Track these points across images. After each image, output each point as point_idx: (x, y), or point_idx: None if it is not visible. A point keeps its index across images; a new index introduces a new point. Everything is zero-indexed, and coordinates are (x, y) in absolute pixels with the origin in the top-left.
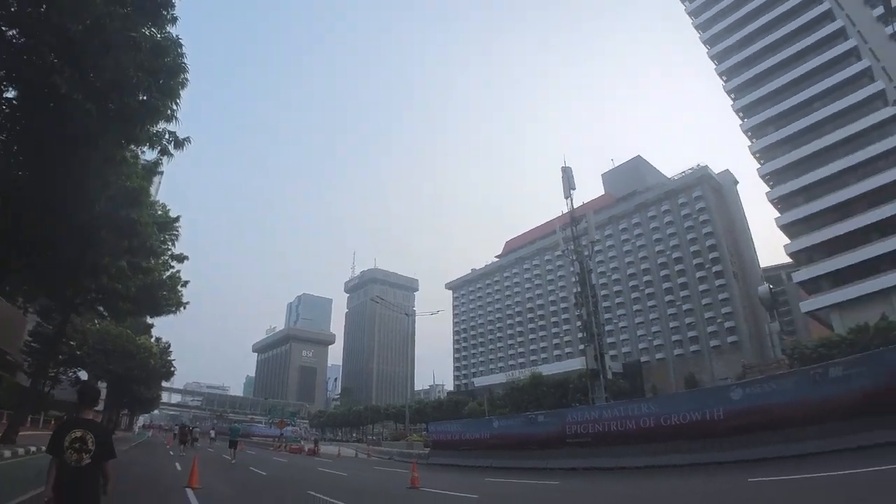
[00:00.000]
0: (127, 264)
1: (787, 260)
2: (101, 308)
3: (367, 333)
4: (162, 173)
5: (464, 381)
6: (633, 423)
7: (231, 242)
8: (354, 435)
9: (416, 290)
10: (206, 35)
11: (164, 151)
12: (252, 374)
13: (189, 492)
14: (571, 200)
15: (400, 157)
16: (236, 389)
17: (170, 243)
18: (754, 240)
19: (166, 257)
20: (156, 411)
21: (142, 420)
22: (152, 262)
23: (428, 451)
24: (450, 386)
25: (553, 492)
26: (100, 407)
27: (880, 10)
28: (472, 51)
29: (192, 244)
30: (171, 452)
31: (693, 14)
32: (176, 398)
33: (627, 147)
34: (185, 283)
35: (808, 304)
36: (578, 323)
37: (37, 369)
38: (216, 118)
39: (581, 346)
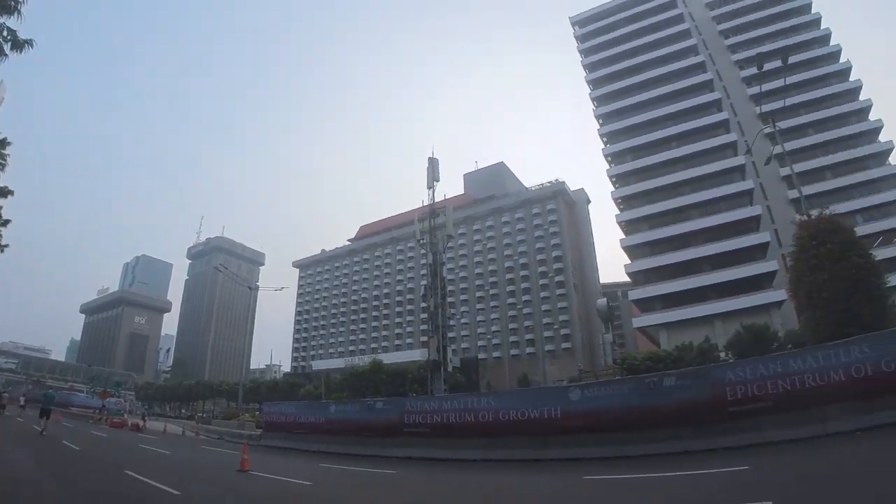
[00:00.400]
0: None
1: (625, 279)
2: None
3: (207, 304)
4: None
5: (302, 364)
6: (471, 416)
7: (69, 188)
8: (184, 411)
9: (263, 264)
10: None
11: None
12: (78, 337)
13: None
14: (434, 191)
15: (266, 130)
16: (59, 353)
17: None
18: (598, 257)
19: None
20: None
21: None
22: None
23: (260, 433)
24: (287, 367)
25: (389, 481)
26: None
27: (748, 71)
28: (359, 38)
29: (24, 182)
30: None
31: (580, 39)
32: None
33: (493, 154)
34: (6, 223)
35: (640, 320)
36: (423, 315)
37: None
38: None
39: (423, 339)
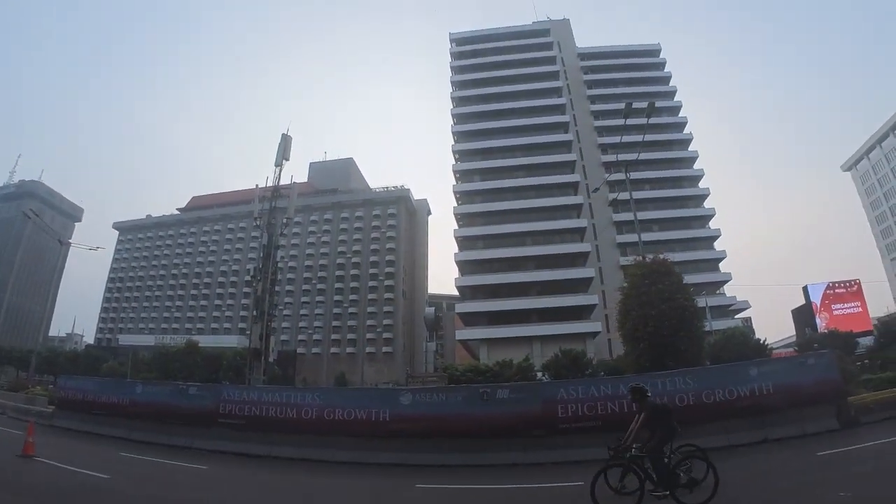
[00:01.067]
0: None
1: (452, 293)
2: None
3: (7, 255)
4: None
5: (108, 336)
6: (293, 412)
7: None
8: None
9: (80, 220)
10: None
11: None
12: None
13: None
14: (281, 169)
15: (94, 65)
16: None
17: None
18: (430, 267)
19: None
20: None
21: None
22: None
23: (52, 410)
24: (91, 339)
25: (200, 476)
26: None
27: (602, 122)
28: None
29: None
30: None
31: (455, 56)
32: None
33: (343, 149)
34: None
35: (463, 333)
36: (245, 300)
37: None
38: None
39: (242, 325)
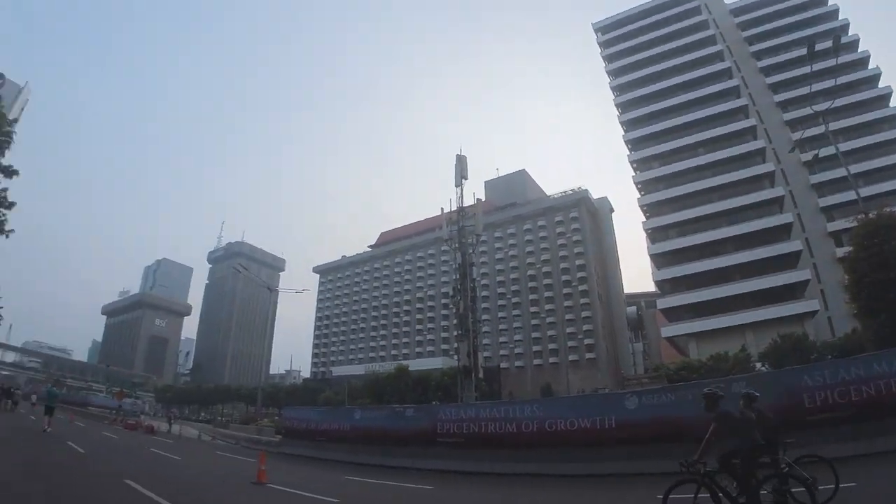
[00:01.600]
0: None
1: (648, 289)
2: None
3: (227, 309)
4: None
5: (321, 370)
6: (513, 426)
7: (95, 190)
8: (203, 414)
9: (283, 270)
10: None
11: None
12: (99, 338)
13: None
14: (462, 189)
15: (281, 141)
16: (80, 354)
17: None
18: (622, 265)
19: None
20: None
21: None
22: None
23: (279, 439)
24: (306, 373)
25: (431, 498)
26: None
27: (774, 77)
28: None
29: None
30: None
31: (603, 45)
32: (12, 357)
33: (514, 161)
34: (11, 205)
35: (669, 329)
36: (444, 322)
37: None
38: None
39: (444, 346)
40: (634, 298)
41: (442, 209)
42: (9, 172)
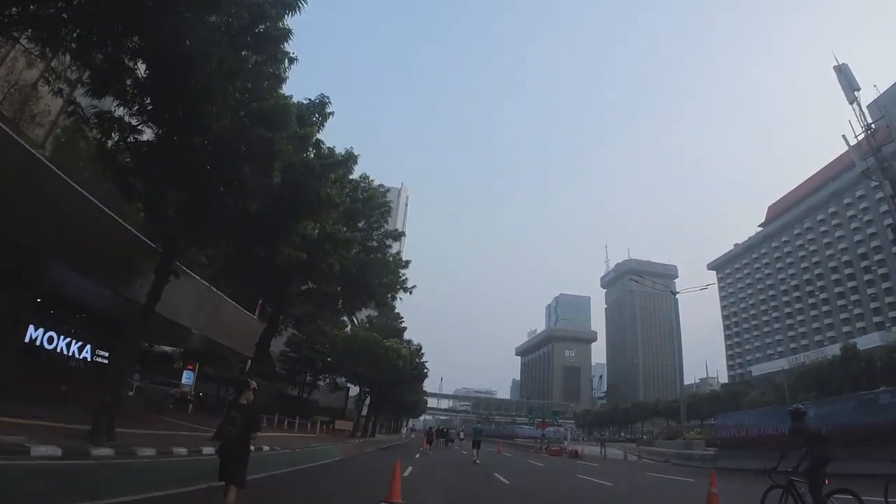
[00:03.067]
0: (318, 234)
1: None
2: (313, 298)
3: (629, 328)
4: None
5: (738, 371)
6: None
7: (476, 252)
8: (623, 434)
9: (676, 276)
10: None
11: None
12: (517, 377)
13: None
14: (859, 103)
15: (638, 146)
16: (503, 393)
17: (382, 218)
18: None
19: (379, 234)
20: (428, 416)
21: (412, 424)
22: (349, 233)
23: (714, 452)
24: (722, 378)
25: None
26: (364, 412)
27: None
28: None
29: (453, 263)
30: (417, 455)
31: None
32: (446, 403)
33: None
34: (407, 263)
35: None
36: (871, 290)
37: (289, 375)
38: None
39: (876, 319)
40: None
41: (846, 138)
42: (397, 236)
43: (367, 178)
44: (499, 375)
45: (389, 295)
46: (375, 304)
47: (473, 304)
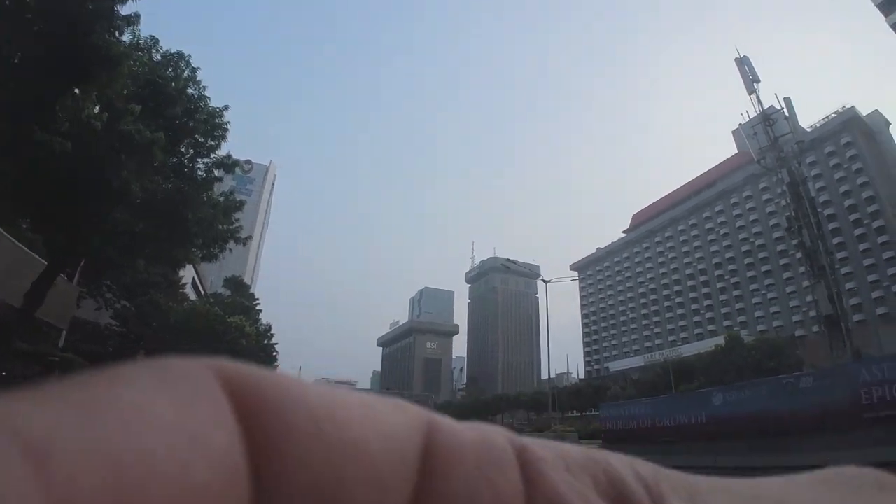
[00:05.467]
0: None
1: None
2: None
3: (491, 323)
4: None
5: (596, 367)
6: None
7: (344, 243)
8: None
9: (539, 275)
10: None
11: None
12: (378, 367)
13: None
14: (757, 95)
15: (507, 144)
16: (363, 383)
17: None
18: None
19: (208, 163)
20: None
21: None
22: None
23: (598, 445)
24: (580, 374)
25: None
26: None
27: None
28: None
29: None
30: None
31: None
32: None
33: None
34: (241, 204)
35: None
36: (723, 297)
37: (117, 352)
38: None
39: (726, 324)
40: None
41: (745, 113)
42: (229, 166)
43: (197, 78)
44: (359, 366)
45: (217, 245)
46: (201, 256)
47: (337, 294)
